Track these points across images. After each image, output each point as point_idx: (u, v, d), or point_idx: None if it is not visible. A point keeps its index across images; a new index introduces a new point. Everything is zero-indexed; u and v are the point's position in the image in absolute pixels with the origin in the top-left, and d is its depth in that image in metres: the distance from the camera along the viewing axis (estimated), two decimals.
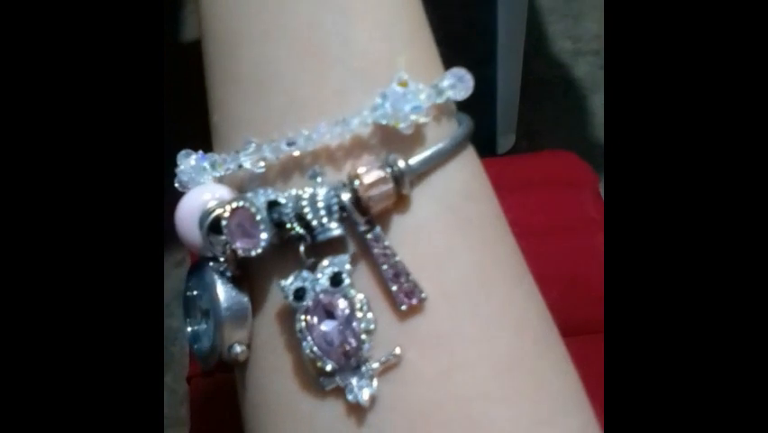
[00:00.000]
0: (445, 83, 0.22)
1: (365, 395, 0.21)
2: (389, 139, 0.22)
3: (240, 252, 0.21)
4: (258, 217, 0.21)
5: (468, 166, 0.23)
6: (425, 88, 0.21)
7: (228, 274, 0.22)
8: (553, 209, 0.63)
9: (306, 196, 0.21)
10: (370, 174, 0.21)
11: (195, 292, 0.24)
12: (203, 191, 0.22)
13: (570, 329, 0.58)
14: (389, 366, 0.21)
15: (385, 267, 0.21)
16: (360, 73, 0.21)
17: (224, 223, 0.21)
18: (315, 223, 0.21)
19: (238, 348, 0.22)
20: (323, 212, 0.21)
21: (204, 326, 0.23)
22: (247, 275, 0.23)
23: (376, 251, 0.21)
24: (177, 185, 0.23)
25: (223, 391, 0.89)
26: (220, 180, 0.23)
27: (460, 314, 0.21)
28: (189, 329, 0.24)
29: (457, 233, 0.22)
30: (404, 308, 0.21)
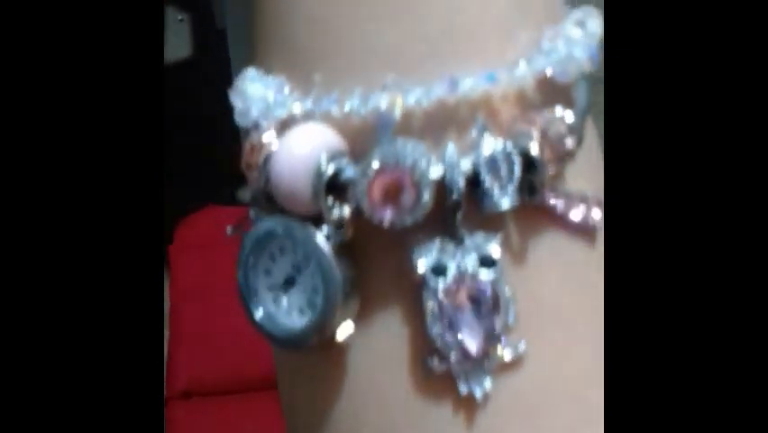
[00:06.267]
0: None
1: (481, 391, 0.18)
2: (547, 93, 0.18)
3: (381, 221, 0.18)
4: (422, 182, 0.17)
5: None
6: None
7: (337, 241, 0.18)
8: None
9: (486, 155, 0.17)
10: (551, 136, 0.18)
11: (271, 260, 0.20)
12: (317, 136, 0.18)
13: None
14: (511, 364, 0.19)
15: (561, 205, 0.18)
16: (523, 5, 0.18)
17: (360, 186, 0.18)
18: (496, 191, 0.17)
19: (345, 328, 0.19)
20: (505, 177, 0.17)
21: (277, 305, 0.20)
22: (354, 243, 0.19)
23: (552, 200, 0.18)
24: (238, 118, 0.19)
25: (202, 415, 0.88)
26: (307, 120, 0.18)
27: (574, 290, 0.19)
28: (260, 310, 0.20)
29: None
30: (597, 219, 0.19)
